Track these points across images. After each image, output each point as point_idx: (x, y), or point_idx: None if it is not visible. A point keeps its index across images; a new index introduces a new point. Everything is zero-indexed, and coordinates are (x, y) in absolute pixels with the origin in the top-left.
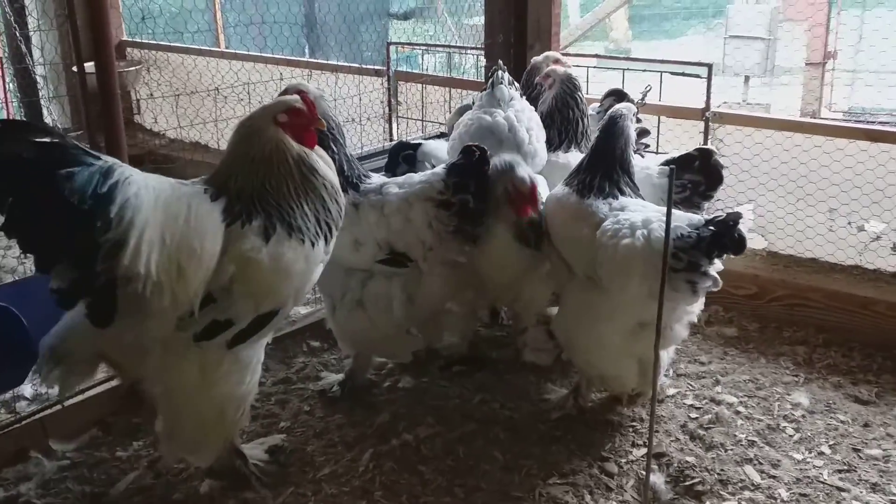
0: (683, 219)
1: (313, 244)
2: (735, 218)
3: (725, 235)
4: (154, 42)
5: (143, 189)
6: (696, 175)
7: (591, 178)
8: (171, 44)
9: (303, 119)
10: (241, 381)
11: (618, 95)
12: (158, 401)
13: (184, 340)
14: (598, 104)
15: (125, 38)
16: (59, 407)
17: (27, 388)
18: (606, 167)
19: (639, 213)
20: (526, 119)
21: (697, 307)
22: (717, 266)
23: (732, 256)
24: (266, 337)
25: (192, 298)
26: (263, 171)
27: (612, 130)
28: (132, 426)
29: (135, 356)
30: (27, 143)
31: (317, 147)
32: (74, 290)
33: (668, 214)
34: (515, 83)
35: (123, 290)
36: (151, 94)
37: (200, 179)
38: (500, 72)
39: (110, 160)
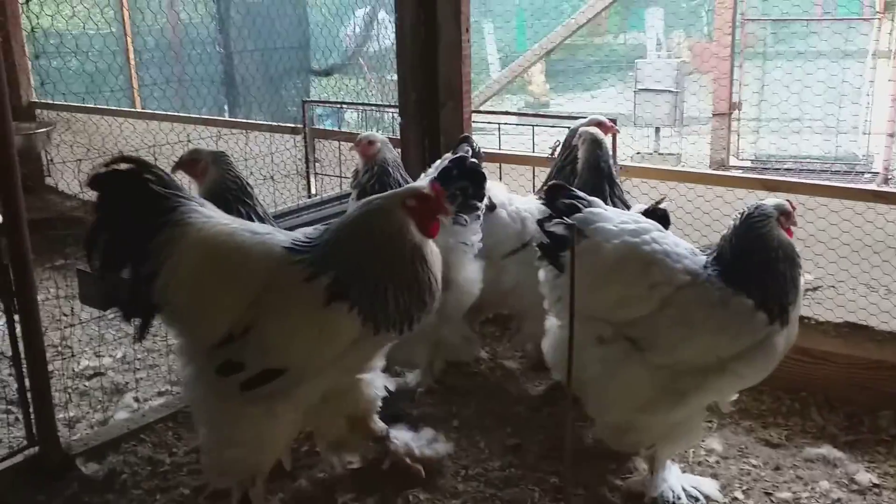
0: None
1: (378, 330)
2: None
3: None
4: (65, 103)
5: (195, 231)
6: (461, 182)
7: None
8: (81, 104)
9: (430, 206)
10: (252, 427)
11: (466, 141)
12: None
13: (211, 371)
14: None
15: (34, 99)
16: None
17: None
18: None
19: None
20: None
21: None
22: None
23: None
24: (294, 398)
25: (212, 335)
26: (375, 251)
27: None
28: None
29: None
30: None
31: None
32: (128, 306)
33: (573, 263)
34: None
35: (161, 315)
36: (52, 160)
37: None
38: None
39: (182, 203)
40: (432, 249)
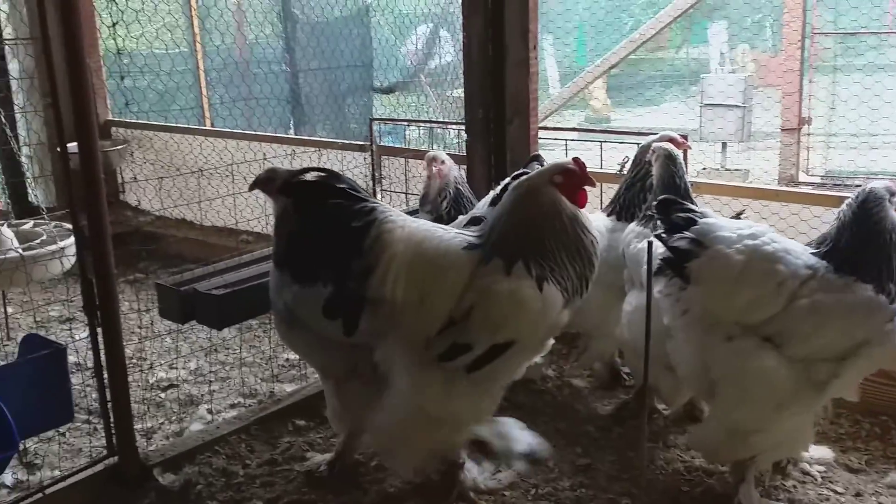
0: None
1: (568, 299)
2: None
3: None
4: (139, 122)
5: (398, 228)
6: None
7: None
8: (156, 123)
9: (576, 179)
10: (469, 405)
11: (537, 160)
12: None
13: (430, 358)
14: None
15: (110, 117)
16: (40, 495)
17: (7, 477)
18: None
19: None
20: None
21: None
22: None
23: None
24: (507, 372)
25: (432, 324)
26: (539, 228)
27: None
28: None
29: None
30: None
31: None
32: (332, 303)
33: (649, 283)
34: None
35: (371, 310)
36: (135, 178)
37: (474, 230)
38: None
39: (376, 203)
40: (587, 215)
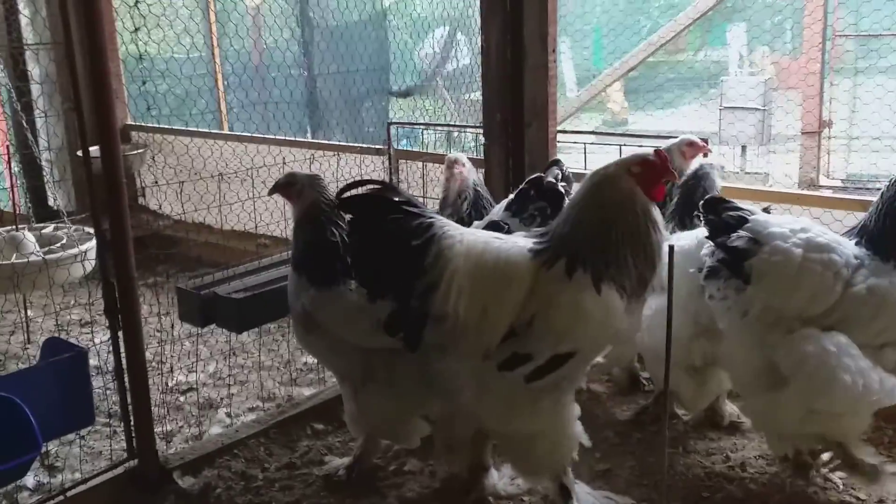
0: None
1: (626, 299)
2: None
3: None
4: (158, 126)
5: (457, 243)
6: (539, 202)
7: None
8: (175, 127)
9: (656, 172)
10: (538, 422)
11: (556, 164)
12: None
13: (490, 370)
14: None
15: (129, 122)
16: (61, 498)
17: (29, 479)
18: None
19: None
20: None
21: None
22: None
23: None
24: (570, 386)
25: (494, 335)
26: (609, 221)
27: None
28: None
29: (450, 383)
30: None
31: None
32: (394, 320)
33: (670, 286)
34: None
35: (434, 326)
36: (157, 182)
37: (544, 229)
38: None
39: (433, 217)
40: (659, 213)
